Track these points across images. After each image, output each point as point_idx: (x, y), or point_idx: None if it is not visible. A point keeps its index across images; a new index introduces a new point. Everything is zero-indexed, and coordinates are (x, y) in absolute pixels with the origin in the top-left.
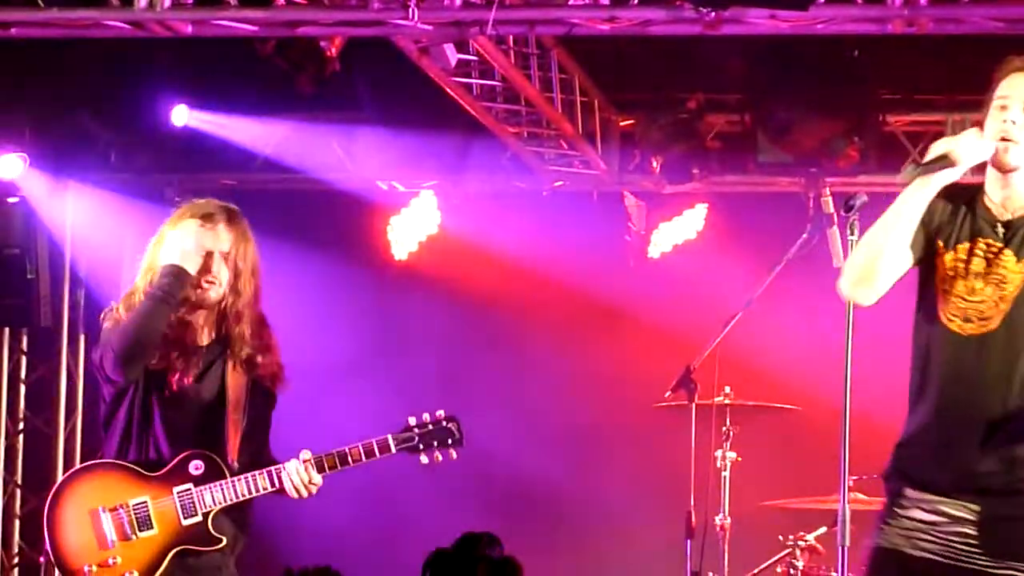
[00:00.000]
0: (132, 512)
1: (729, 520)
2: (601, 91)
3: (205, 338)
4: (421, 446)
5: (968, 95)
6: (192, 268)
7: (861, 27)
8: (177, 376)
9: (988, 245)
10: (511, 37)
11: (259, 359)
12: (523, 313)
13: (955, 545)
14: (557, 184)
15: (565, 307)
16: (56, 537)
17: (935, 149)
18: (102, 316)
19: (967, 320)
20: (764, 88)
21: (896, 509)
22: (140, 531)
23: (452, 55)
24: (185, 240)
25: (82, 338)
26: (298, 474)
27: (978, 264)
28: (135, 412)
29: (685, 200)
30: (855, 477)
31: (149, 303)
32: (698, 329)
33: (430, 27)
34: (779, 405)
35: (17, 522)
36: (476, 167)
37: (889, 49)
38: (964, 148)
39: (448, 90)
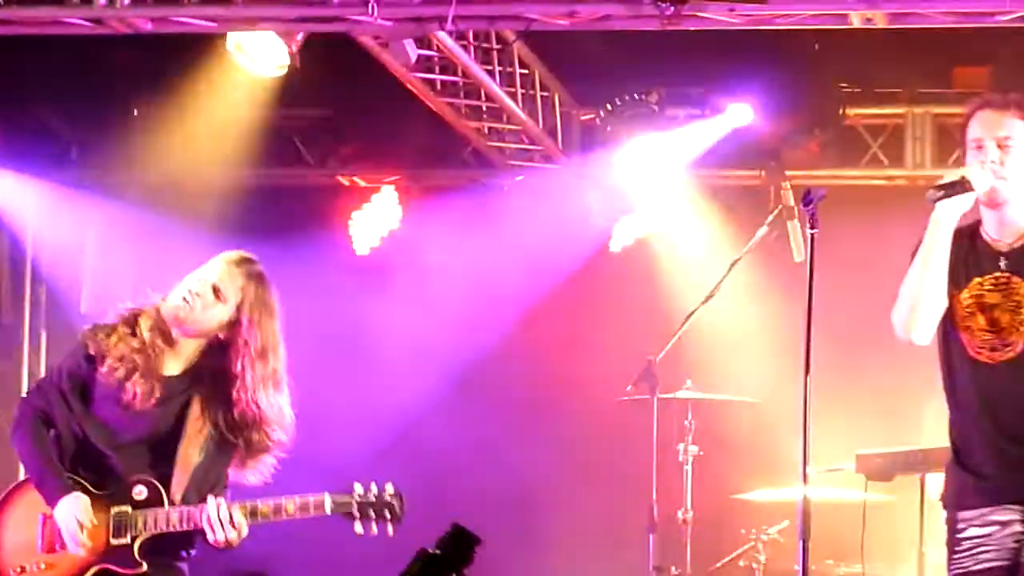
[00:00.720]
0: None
1: (692, 514)
2: (562, 85)
3: (175, 368)
4: (358, 514)
5: (928, 88)
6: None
7: (820, 21)
8: (138, 398)
9: (997, 278)
10: (471, 32)
11: (254, 437)
12: (484, 306)
13: (1010, 547)
14: (518, 178)
15: (526, 300)
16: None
17: (948, 176)
18: None
19: (994, 350)
20: (725, 82)
21: (956, 536)
22: (75, 543)
23: (412, 51)
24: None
25: (43, 335)
26: (216, 511)
27: (992, 297)
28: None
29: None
30: (815, 470)
31: None
32: (660, 321)
33: (390, 23)
34: (740, 399)
35: None
36: (437, 163)
37: (848, 43)
38: (974, 175)
39: (409, 85)
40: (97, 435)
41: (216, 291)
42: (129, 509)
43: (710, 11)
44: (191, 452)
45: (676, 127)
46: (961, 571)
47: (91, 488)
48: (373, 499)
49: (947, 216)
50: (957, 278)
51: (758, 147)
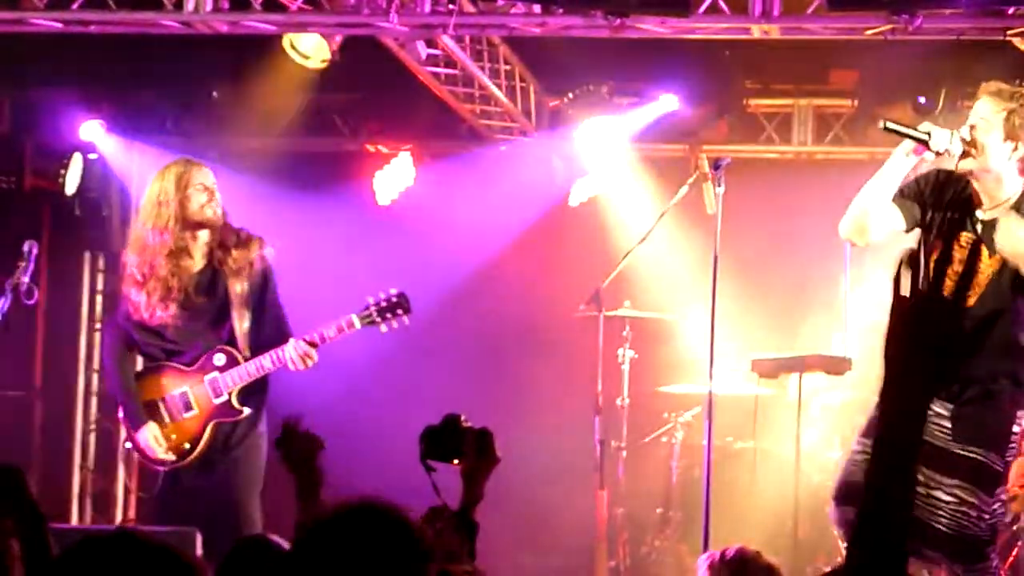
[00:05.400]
0: (178, 400)
1: (628, 401)
2: (536, 79)
3: (200, 262)
4: (379, 319)
5: (810, 85)
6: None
7: (729, 32)
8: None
9: (968, 240)
10: (468, 37)
11: (237, 257)
12: (478, 242)
13: (937, 433)
14: (502, 148)
15: (507, 239)
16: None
17: (922, 126)
18: None
19: (953, 295)
20: (657, 78)
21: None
22: (185, 413)
23: (423, 50)
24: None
25: None
26: (295, 349)
27: (960, 253)
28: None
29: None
30: (720, 369)
31: None
32: (606, 258)
33: (406, 28)
34: (666, 316)
35: (95, 399)
36: (442, 135)
37: (751, 50)
38: (939, 135)
39: (419, 77)
40: (170, 334)
41: (211, 191)
42: (218, 374)
43: (646, 23)
44: (241, 313)
45: (621, 111)
46: None
47: (183, 367)
48: (384, 303)
49: (899, 157)
50: (938, 226)
51: (682, 127)
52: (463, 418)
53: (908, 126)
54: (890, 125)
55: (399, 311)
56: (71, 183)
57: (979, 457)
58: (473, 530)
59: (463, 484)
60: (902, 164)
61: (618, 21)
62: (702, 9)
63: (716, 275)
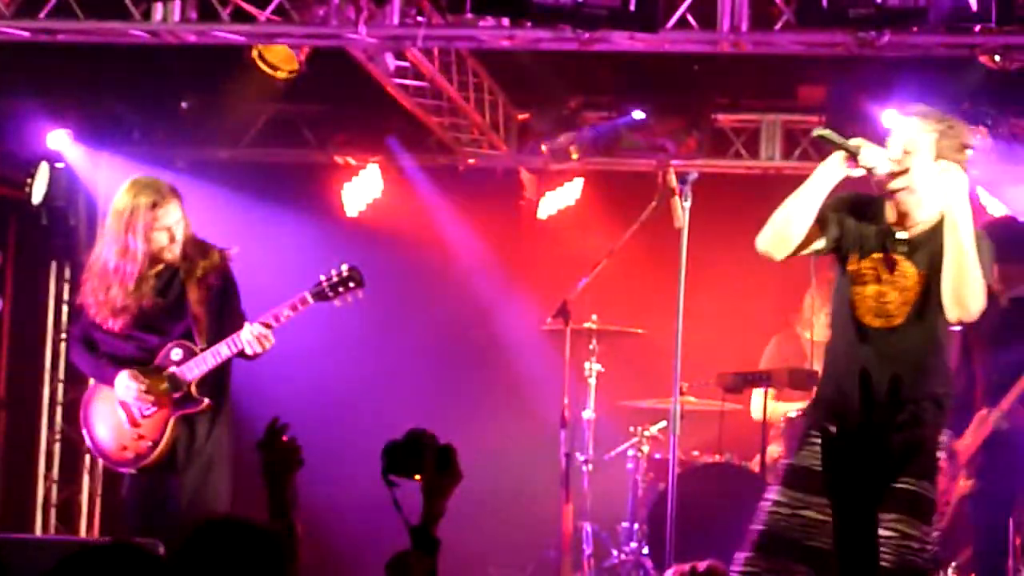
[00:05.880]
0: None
1: (594, 415)
2: (504, 92)
3: (160, 271)
4: (332, 294)
5: (779, 100)
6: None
7: (698, 47)
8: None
9: (892, 257)
10: (436, 49)
11: (198, 266)
12: (445, 255)
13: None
14: (471, 161)
15: (474, 252)
16: (91, 429)
17: (854, 140)
18: None
19: (879, 316)
20: (627, 92)
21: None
22: (146, 411)
23: (391, 62)
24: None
25: None
26: (251, 332)
27: (884, 273)
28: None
29: (567, 175)
30: (684, 384)
31: None
32: (574, 271)
33: (374, 40)
34: (631, 329)
35: (59, 409)
36: (409, 147)
37: (719, 65)
38: (869, 151)
39: (388, 89)
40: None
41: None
42: (175, 368)
43: (615, 38)
44: (199, 311)
45: (589, 125)
46: (799, 463)
47: (140, 367)
48: (336, 278)
49: (829, 168)
50: (860, 246)
51: (650, 142)
52: (427, 433)
53: (840, 135)
54: (823, 133)
55: (351, 284)
56: (38, 192)
57: (913, 488)
58: (434, 547)
59: (424, 500)
60: (828, 177)
61: (587, 35)
62: (671, 24)
63: (683, 289)
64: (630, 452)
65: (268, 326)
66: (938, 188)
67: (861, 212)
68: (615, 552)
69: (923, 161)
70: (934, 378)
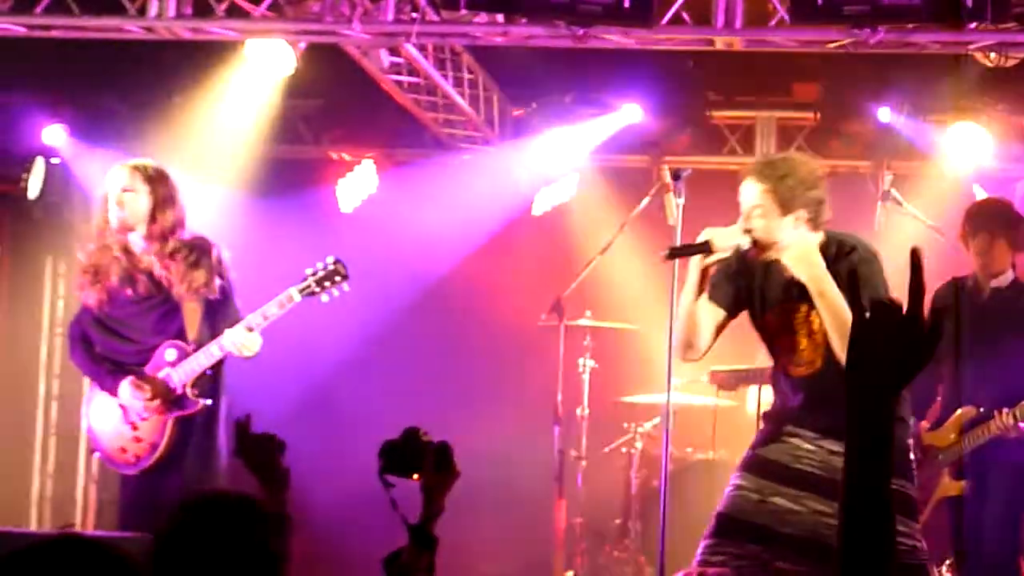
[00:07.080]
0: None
1: (587, 411)
2: (499, 87)
3: (151, 264)
4: (319, 289)
5: (772, 98)
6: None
7: (692, 44)
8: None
9: (793, 307)
10: (431, 45)
11: (190, 262)
12: (440, 251)
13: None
14: (465, 157)
15: (469, 248)
16: (92, 430)
17: (702, 235)
18: None
19: (799, 365)
20: (620, 88)
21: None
22: (144, 414)
23: (386, 58)
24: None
25: None
26: (231, 340)
27: (789, 322)
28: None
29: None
30: (677, 380)
31: None
32: (568, 267)
33: (369, 36)
34: (626, 326)
35: (55, 404)
36: (404, 143)
37: (714, 61)
38: (722, 237)
39: (382, 85)
40: (122, 336)
41: (118, 200)
42: (170, 370)
43: (610, 34)
44: (192, 307)
45: (584, 121)
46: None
47: (135, 369)
48: (323, 273)
49: (693, 271)
50: (762, 302)
51: (644, 138)
52: (423, 432)
53: (685, 245)
54: (671, 252)
55: (337, 278)
56: (33, 187)
57: (900, 488)
58: (432, 545)
59: (423, 499)
60: (697, 277)
61: (581, 31)
62: (665, 20)
63: (676, 286)
64: (623, 449)
65: (251, 329)
66: (804, 228)
67: (752, 265)
68: (608, 549)
69: (773, 220)
70: None
